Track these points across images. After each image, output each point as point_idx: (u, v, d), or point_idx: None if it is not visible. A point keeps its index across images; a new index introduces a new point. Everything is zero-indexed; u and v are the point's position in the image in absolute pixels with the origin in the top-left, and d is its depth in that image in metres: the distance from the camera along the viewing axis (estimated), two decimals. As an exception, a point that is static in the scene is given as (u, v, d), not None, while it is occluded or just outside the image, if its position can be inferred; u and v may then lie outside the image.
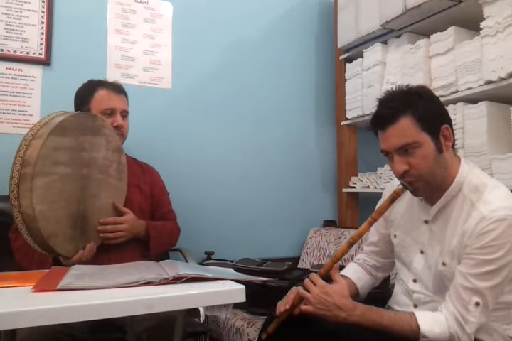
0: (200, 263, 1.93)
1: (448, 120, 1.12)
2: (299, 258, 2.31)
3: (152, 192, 1.64)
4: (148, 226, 1.51)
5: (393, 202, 1.15)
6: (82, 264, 1.20)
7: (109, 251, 1.41)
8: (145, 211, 1.59)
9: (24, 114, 1.89)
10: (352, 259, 1.44)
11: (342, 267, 1.40)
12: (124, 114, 1.57)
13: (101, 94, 1.52)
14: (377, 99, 1.15)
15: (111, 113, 1.52)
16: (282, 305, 1.13)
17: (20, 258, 1.33)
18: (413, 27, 2.00)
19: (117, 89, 1.56)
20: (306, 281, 1.12)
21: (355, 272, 1.34)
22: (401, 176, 1.09)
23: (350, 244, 1.14)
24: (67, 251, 1.24)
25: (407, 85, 1.14)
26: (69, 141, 1.24)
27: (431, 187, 1.10)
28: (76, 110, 1.52)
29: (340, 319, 1.05)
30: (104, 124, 1.40)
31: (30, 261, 1.30)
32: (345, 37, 2.36)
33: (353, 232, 1.17)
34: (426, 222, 1.17)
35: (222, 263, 1.93)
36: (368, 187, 2.24)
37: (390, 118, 1.08)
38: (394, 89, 1.13)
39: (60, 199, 1.21)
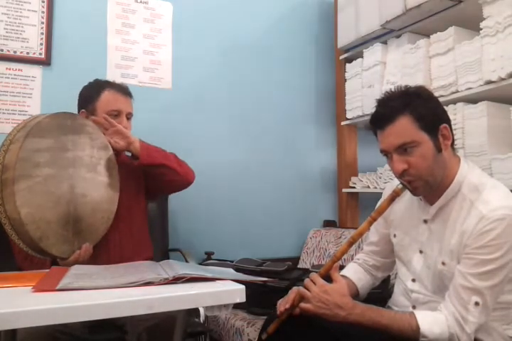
0: (200, 263, 1.93)
1: (447, 119, 1.13)
2: (299, 258, 2.31)
3: None
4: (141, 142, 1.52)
5: (393, 201, 1.14)
6: (80, 264, 1.20)
7: (109, 251, 1.40)
8: (143, 207, 1.59)
9: (24, 114, 1.88)
10: (352, 259, 1.44)
11: (342, 267, 1.39)
12: (129, 117, 1.55)
13: (108, 95, 1.50)
14: (376, 99, 1.15)
15: (117, 114, 1.50)
16: (282, 305, 1.13)
17: (21, 262, 1.34)
18: (413, 27, 2.00)
19: (124, 91, 1.55)
20: (307, 280, 1.13)
21: (356, 272, 1.34)
22: (400, 175, 1.10)
23: (350, 244, 1.14)
24: (62, 252, 1.24)
25: (406, 86, 1.15)
26: (48, 142, 1.22)
27: (430, 186, 1.10)
28: (79, 108, 1.52)
29: (340, 318, 1.05)
30: (86, 123, 1.38)
31: (30, 264, 1.30)
32: (345, 37, 2.36)
33: (353, 232, 1.17)
34: (425, 221, 1.17)
35: (222, 263, 1.92)
36: (368, 187, 2.24)
37: (388, 118, 1.08)
38: (392, 89, 1.14)
39: (48, 201, 1.20)
